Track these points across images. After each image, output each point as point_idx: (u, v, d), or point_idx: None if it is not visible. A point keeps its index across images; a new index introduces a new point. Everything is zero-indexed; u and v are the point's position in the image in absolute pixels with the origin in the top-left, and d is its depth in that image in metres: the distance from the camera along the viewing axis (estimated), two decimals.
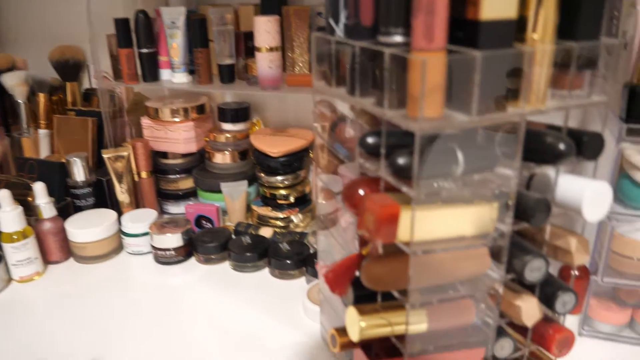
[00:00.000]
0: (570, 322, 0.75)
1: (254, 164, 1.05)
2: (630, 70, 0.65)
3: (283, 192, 0.99)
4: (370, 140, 0.53)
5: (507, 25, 0.46)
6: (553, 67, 0.50)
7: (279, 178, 0.99)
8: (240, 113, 1.05)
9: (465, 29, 0.47)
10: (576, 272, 0.71)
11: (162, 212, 1.10)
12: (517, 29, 0.48)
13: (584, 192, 0.51)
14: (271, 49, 0.93)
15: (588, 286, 0.71)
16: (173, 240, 0.92)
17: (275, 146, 0.98)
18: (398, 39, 0.49)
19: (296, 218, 0.99)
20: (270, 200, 1.00)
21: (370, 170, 0.53)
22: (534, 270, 0.53)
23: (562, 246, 0.55)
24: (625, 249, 0.70)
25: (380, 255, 0.53)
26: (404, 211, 0.48)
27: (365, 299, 0.57)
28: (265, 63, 0.93)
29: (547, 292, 0.56)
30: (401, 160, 0.48)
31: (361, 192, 0.53)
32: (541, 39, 0.48)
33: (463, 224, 0.52)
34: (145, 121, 1.07)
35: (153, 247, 0.94)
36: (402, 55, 0.46)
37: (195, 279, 0.90)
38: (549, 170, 0.55)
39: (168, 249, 0.93)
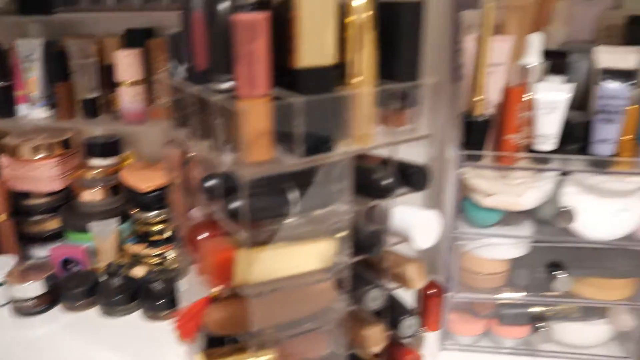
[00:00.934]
0: (433, 338, 0.79)
1: (125, 200, 1.01)
2: (464, 101, 0.70)
3: (157, 227, 0.96)
4: (209, 183, 0.53)
5: (325, 71, 0.49)
6: (380, 106, 0.53)
7: (152, 213, 0.96)
8: (109, 147, 1.01)
9: (288, 76, 0.49)
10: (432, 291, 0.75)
11: (24, 257, 1.02)
12: (340, 73, 0.51)
13: (414, 221, 0.55)
14: (134, 83, 0.90)
15: (443, 303, 0.76)
16: (34, 288, 0.86)
17: (146, 180, 0.95)
18: (227, 85, 0.50)
19: (171, 254, 0.96)
20: (143, 237, 0.97)
21: (210, 213, 0.53)
22: (374, 299, 0.55)
23: (400, 273, 0.59)
24: (473, 265, 0.75)
25: (223, 299, 0.53)
26: (240, 254, 0.49)
27: (218, 342, 0.57)
28: (128, 97, 0.90)
29: (392, 317, 0.59)
30: (232, 204, 0.48)
31: (201, 236, 0.53)
32: (363, 82, 0.51)
33: (303, 261, 0.53)
34: (3, 160, 1.00)
35: (12, 298, 0.87)
36: (223, 104, 0.47)
37: (60, 329, 0.84)
38: (388, 202, 0.58)
39: (29, 299, 0.86)
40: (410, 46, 0.52)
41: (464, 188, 0.72)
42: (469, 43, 0.69)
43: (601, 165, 0.68)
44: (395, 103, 0.52)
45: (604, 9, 0.78)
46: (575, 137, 0.69)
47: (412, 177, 0.54)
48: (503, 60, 0.69)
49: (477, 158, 0.69)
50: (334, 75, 0.48)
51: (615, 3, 0.80)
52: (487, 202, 0.70)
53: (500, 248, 0.73)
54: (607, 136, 0.67)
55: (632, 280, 0.74)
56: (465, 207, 0.73)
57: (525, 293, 0.75)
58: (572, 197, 0.70)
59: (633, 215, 0.69)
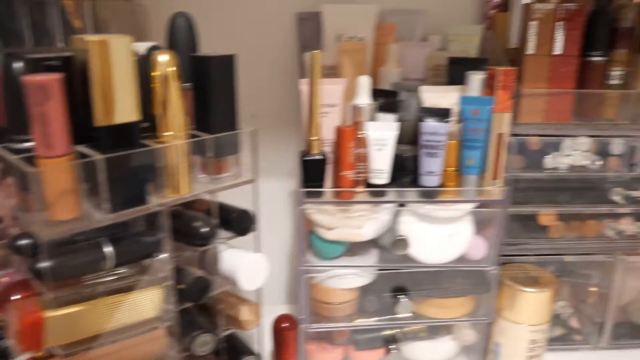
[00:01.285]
0: None
1: None
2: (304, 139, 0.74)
3: None
4: (18, 242, 0.51)
5: (128, 127, 0.49)
6: (198, 156, 0.55)
7: None
8: None
9: (92, 133, 0.49)
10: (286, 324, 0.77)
11: None
12: (150, 127, 0.52)
13: (239, 265, 0.56)
14: None
15: (298, 335, 0.78)
16: None
17: None
18: (27, 145, 0.49)
19: None
20: None
21: (21, 272, 0.52)
22: (203, 344, 0.56)
23: (234, 315, 0.60)
24: (325, 296, 0.78)
25: None
26: (49, 314, 0.48)
27: None
28: None
29: (232, 358, 0.60)
30: (36, 264, 0.48)
31: (13, 297, 0.51)
32: (173, 135, 0.52)
33: (127, 313, 0.53)
34: None
35: None
36: (18, 165, 0.46)
37: None
38: (219, 246, 0.59)
39: None
40: (222, 98, 0.54)
41: (309, 223, 0.75)
42: (303, 86, 0.72)
43: (430, 196, 0.73)
44: (214, 152, 0.54)
45: (431, 50, 0.85)
46: (408, 170, 0.75)
47: (234, 222, 0.56)
48: (337, 101, 0.74)
49: (318, 194, 0.72)
50: (139, 130, 0.49)
51: (443, 45, 0.88)
52: (330, 235, 0.74)
53: (348, 277, 0.76)
54: (432, 169, 0.73)
55: (469, 298, 0.80)
56: (312, 240, 0.76)
57: (375, 318, 0.79)
58: (408, 225, 0.75)
59: (462, 239, 0.75)
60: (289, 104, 0.85)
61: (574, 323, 0.90)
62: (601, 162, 0.78)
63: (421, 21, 0.90)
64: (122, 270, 0.52)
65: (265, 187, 0.95)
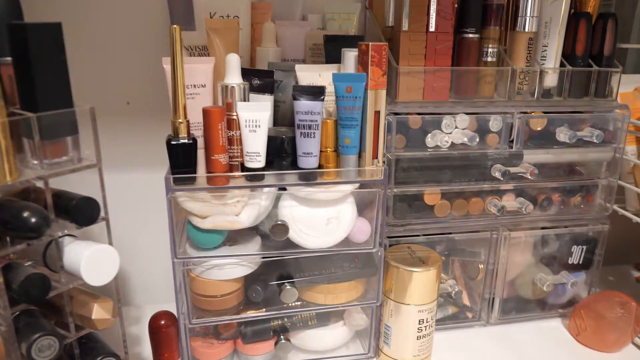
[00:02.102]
0: None
1: None
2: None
3: None
4: None
5: None
6: (26, 138, 0.48)
7: None
8: None
9: None
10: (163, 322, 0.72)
11: None
12: None
13: (81, 258, 0.51)
14: None
15: (179, 332, 0.73)
16: None
17: None
18: None
19: None
20: None
21: None
22: (44, 349, 0.50)
23: (85, 314, 0.54)
24: (205, 289, 0.73)
25: None
26: None
27: None
28: None
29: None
30: None
31: None
32: None
33: None
34: None
35: None
36: None
37: None
38: (65, 238, 0.53)
39: None
40: (48, 72, 0.48)
41: (183, 212, 0.70)
42: (166, 65, 0.67)
43: (308, 178, 0.71)
44: (43, 133, 0.48)
45: (310, 29, 0.83)
46: (287, 152, 0.72)
47: (73, 210, 0.50)
48: (206, 82, 0.69)
49: (189, 181, 0.68)
50: None
51: (322, 24, 0.86)
52: (206, 224, 0.69)
53: (228, 268, 0.72)
54: (309, 149, 0.70)
55: (358, 282, 0.78)
56: (188, 230, 0.71)
57: (263, 309, 0.76)
58: (289, 210, 0.72)
59: (344, 222, 0.73)
60: (163, 87, 0.80)
61: (465, 300, 0.91)
62: (477, 140, 0.78)
63: (300, 0, 0.88)
64: None
65: (145, 177, 0.90)
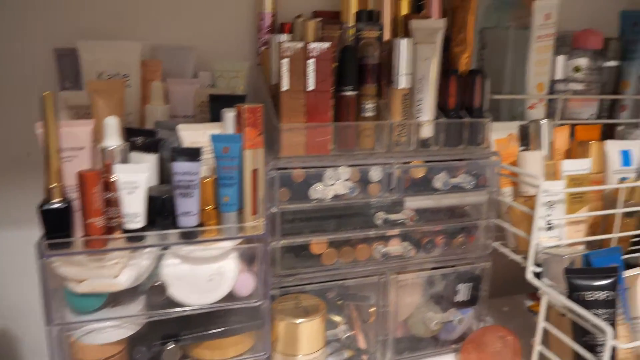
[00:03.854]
0: None
1: None
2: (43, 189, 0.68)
3: None
4: None
5: None
6: None
7: None
8: None
9: None
10: None
11: None
12: None
13: None
14: None
15: None
16: None
17: None
18: None
19: None
20: None
21: None
22: None
23: None
24: (85, 354, 0.72)
25: None
26: None
27: None
28: None
29: None
30: None
31: None
32: None
33: None
34: None
35: None
36: None
37: None
38: None
39: None
40: None
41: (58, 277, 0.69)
42: (39, 129, 0.67)
43: (188, 236, 0.72)
44: None
45: (199, 86, 0.85)
46: (168, 211, 0.73)
47: None
48: (84, 144, 0.69)
49: (63, 245, 0.67)
50: None
51: (212, 81, 0.88)
52: (81, 288, 0.68)
53: (107, 331, 0.71)
54: (188, 209, 0.71)
55: (246, 335, 0.79)
56: (65, 295, 0.70)
57: None
58: (171, 268, 0.72)
59: (227, 277, 0.74)
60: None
61: (361, 344, 0.94)
62: (359, 190, 0.82)
63: (191, 57, 0.90)
64: None
65: (23, 238, 0.87)
